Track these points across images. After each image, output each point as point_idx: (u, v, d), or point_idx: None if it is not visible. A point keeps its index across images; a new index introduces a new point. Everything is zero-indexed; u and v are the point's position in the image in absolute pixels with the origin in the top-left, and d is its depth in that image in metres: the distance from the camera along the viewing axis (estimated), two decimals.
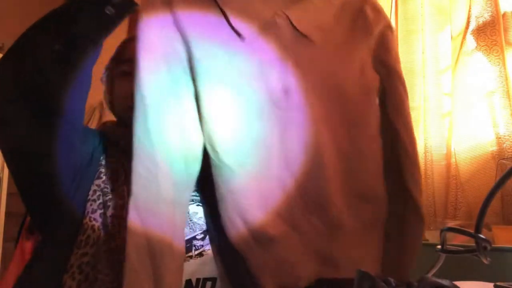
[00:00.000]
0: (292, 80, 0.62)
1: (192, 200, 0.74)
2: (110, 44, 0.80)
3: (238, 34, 0.61)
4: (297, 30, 0.64)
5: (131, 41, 0.78)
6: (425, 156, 1.55)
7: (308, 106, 0.62)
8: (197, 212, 0.73)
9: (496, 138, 1.30)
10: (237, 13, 0.61)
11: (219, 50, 0.60)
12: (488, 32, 1.34)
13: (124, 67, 0.77)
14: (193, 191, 0.71)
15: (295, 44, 0.64)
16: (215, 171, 0.60)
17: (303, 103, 0.62)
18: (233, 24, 0.60)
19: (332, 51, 0.67)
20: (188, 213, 0.72)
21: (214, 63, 0.60)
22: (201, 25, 0.60)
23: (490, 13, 1.34)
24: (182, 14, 0.60)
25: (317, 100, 0.63)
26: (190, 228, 0.71)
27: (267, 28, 0.63)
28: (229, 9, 0.61)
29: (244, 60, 0.61)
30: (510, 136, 1.26)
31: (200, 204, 0.74)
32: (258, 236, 0.58)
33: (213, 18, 0.61)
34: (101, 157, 0.71)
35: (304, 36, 0.64)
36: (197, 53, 0.59)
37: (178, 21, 0.59)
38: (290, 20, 0.64)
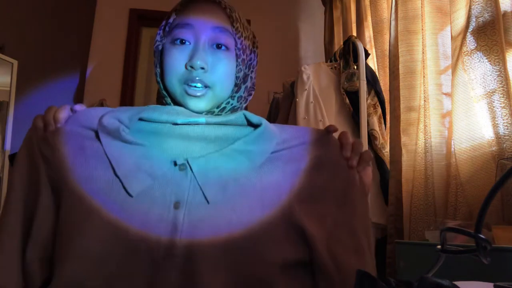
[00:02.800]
0: None
1: None
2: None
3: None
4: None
5: (184, 6, 0.71)
6: (425, 156, 1.56)
7: None
8: None
9: (496, 138, 1.30)
10: None
11: None
12: (488, 32, 1.34)
13: (176, 33, 0.69)
14: None
15: None
16: None
17: None
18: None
19: None
20: None
21: None
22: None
23: (490, 13, 1.34)
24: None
25: None
26: None
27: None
28: None
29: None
30: (510, 136, 1.26)
31: None
32: None
33: None
34: None
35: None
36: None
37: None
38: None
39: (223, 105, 0.71)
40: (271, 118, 2.41)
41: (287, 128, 0.70)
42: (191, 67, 0.66)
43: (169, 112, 0.66)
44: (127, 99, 3.00)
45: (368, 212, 0.67)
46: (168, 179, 0.61)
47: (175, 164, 0.62)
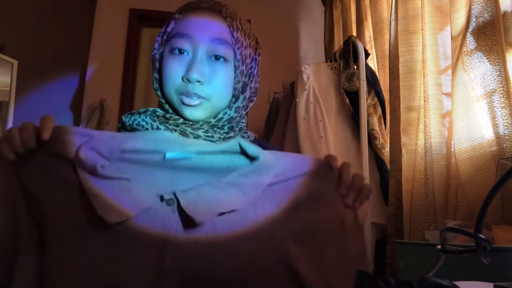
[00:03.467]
0: None
1: None
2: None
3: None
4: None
5: (183, 14, 0.71)
6: (425, 156, 1.56)
7: None
8: None
9: (496, 138, 1.30)
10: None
11: None
12: (488, 32, 1.34)
13: (174, 42, 0.69)
14: None
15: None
16: None
17: None
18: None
19: None
20: None
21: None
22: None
23: (490, 13, 1.34)
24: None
25: None
26: None
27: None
28: None
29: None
30: (510, 136, 1.26)
31: None
32: None
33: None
34: None
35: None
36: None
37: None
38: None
39: (220, 115, 0.71)
40: (271, 118, 2.41)
41: (286, 157, 0.63)
42: (188, 80, 0.67)
43: (156, 140, 0.58)
44: (127, 99, 3.00)
45: (364, 251, 0.64)
46: (153, 215, 0.55)
47: (162, 199, 0.56)
